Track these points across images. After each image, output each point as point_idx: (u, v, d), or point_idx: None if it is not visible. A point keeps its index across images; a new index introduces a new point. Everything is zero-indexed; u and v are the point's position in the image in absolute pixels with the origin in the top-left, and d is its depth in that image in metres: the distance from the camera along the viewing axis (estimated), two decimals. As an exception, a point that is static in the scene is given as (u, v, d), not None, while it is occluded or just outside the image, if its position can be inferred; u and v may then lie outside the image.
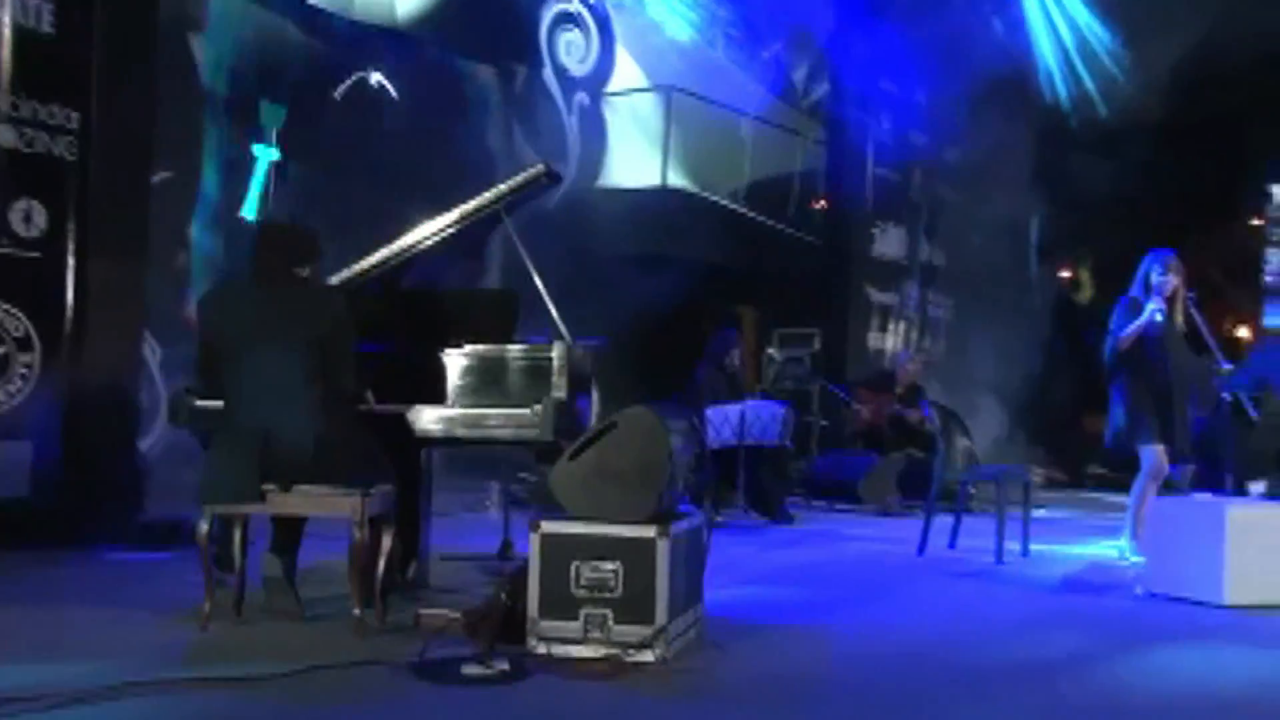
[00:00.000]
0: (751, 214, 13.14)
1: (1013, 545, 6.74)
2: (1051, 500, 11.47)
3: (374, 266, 5.16)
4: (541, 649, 3.85)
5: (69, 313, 6.30)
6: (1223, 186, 14.88)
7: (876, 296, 13.32)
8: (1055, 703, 3.63)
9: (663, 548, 3.84)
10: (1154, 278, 6.50)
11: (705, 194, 13.04)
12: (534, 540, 3.92)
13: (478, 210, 5.18)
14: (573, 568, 3.88)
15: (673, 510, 4.05)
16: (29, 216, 6.18)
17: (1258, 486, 8.08)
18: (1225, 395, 6.51)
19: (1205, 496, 5.75)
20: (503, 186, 5.18)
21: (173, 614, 4.42)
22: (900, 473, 9.77)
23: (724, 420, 8.09)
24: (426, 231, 5.16)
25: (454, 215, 5.19)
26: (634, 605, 3.83)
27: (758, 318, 13.89)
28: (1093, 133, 13.42)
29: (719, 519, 7.97)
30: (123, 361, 6.51)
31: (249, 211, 9.83)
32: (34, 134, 6.18)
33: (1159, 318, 6.41)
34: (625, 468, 3.89)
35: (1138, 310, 6.49)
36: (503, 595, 4.02)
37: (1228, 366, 6.59)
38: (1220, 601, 5.27)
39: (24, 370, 6.13)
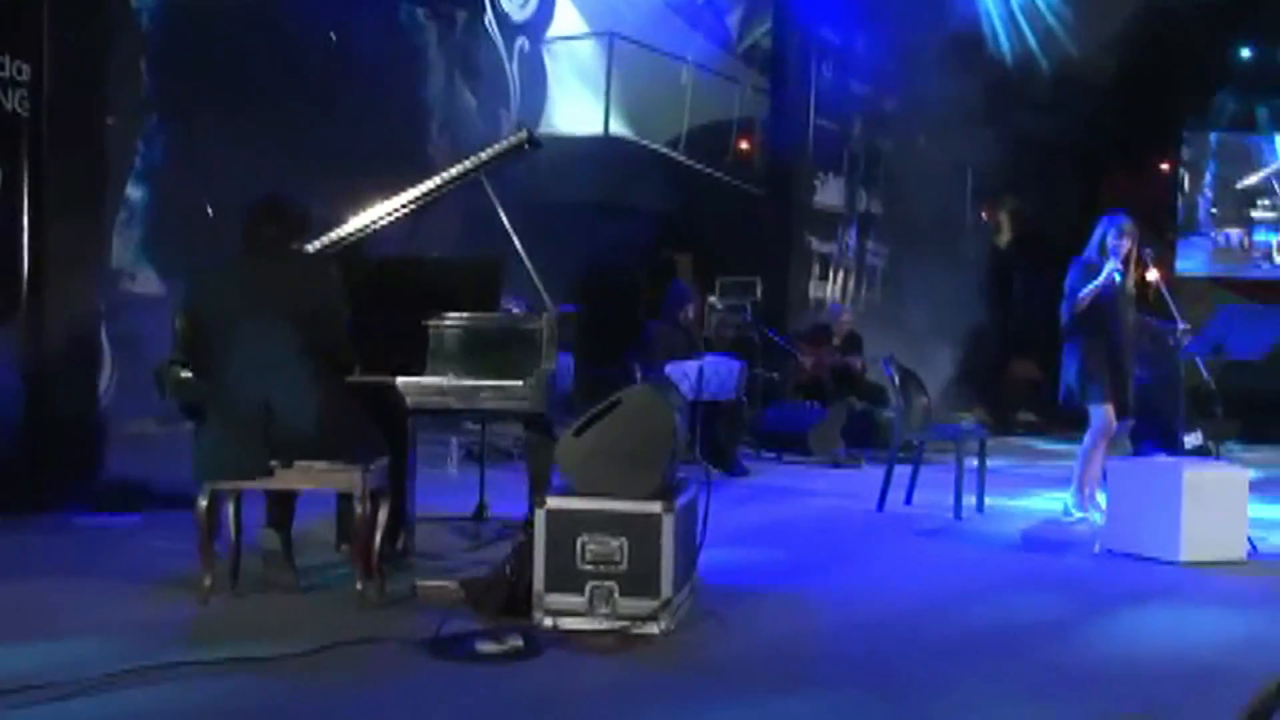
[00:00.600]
0: (692, 162, 13.18)
1: (968, 499, 6.93)
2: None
3: (352, 234, 5.15)
4: (548, 622, 3.91)
5: (25, 273, 6.14)
6: (1149, 136, 15.31)
7: (816, 246, 13.46)
8: (1040, 671, 3.77)
9: (668, 523, 3.90)
10: (1110, 241, 6.67)
11: (646, 142, 13.04)
12: (539, 515, 3.96)
13: (459, 177, 5.17)
14: (579, 543, 3.93)
15: (674, 484, 4.12)
16: (-14, 172, 6.00)
17: (1193, 438, 8.39)
18: (1182, 356, 6.74)
19: (1162, 458, 5.97)
20: (485, 154, 5.16)
21: (161, 585, 4.40)
22: (844, 424, 9.97)
23: (682, 376, 8.16)
24: (405, 199, 5.14)
25: (435, 182, 5.18)
26: (639, 579, 3.90)
27: (695, 264, 13.96)
28: (1033, 86, 13.62)
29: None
30: (83, 320, 6.36)
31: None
32: (-14, 88, 5.98)
33: (1117, 278, 6.59)
34: (630, 446, 3.95)
35: (1094, 273, 6.66)
36: (507, 569, 4.06)
37: (1183, 326, 6.82)
38: (1176, 559, 5.50)
39: (-18, 339, 5.99)
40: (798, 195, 13.11)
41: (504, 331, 4.74)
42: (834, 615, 4.41)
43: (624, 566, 3.91)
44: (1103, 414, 6.72)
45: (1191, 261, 16.24)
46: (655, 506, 3.91)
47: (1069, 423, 10.46)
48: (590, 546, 3.93)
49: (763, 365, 11.37)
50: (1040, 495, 7.83)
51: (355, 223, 5.22)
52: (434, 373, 4.67)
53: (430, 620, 3.91)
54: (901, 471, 7.19)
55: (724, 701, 3.33)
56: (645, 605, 3.88)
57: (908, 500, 7.26)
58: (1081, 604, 4.74)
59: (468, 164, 5.13)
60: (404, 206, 5.13)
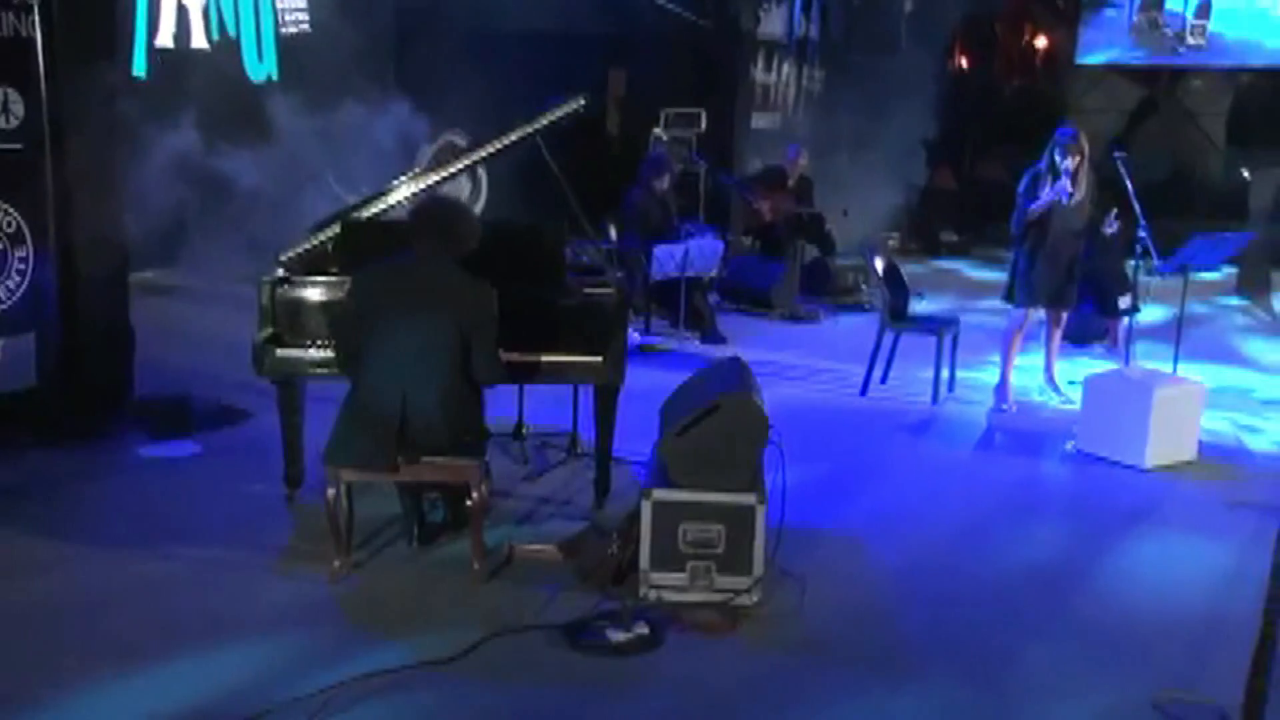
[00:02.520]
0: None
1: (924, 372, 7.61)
2: (917, 280, 12.43)
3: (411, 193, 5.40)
4: (652, 595, 4.47)
5: (51, 201, 6.18)
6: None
7: (760, 76, 13.62)
8: (1088, 638, 4.49)
9: (760, 512, 4.45)
10: (1058, 159, 7.07)
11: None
12: (646, 506, 4.46)
13: (519, 141, 5.41)
14: (680, 529, 4.46)
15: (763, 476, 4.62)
16: (6, 105, 5.94)
17: (1125, 301, 9.15)
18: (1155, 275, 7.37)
19: (1135, 372, 6.67)
20: (544, 120, 5.39)
21: (284, 557, 4.81)
22: (801, 276, 10.57)
23: (669, 257, 8.56)
24: (464, 161, 5.39)
25: (496, 146, 5.41)
26: (734, 559, 4.45)
27: (628, 84, 14.05)
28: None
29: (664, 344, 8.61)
30: (109, 243, 6.44)
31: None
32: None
33: (1064, 200, 7.04)
34: (728, 446, 4.43)
35: (1041, 185, 7.09)
36: (613, 550, 4.59)
37: (1113, 227, 7.55)
38: (1143, 465, 6.28)
39: (20, 266, 6.07)
40: (745, 25, 13.17)
41: (581, 307, 5.09)
42: (894, 571, 4.93)
43: (721, 549, 4.46)
44: (1020, 317, 7.37)
45: (1098, 40, 16.90)
46: (750, 498, 4.43)
47: (992, 241, 11.18)
48: (691, 532, 4.46)
49: (707, 208, 11.77)
50: (991, 363, 8.47)
51: (412, 186, 5.48)
52: (513, 347, 5.01)
53: (544, 594, 4.46)
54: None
55: (838, 690, 3.95)
56: (739, 582, 4.46)
57: (884, 380, 7.91)
58: (1094, 540, 5.35)
59: (529, 129, 5.37)
60: (461, 169, 5.39)
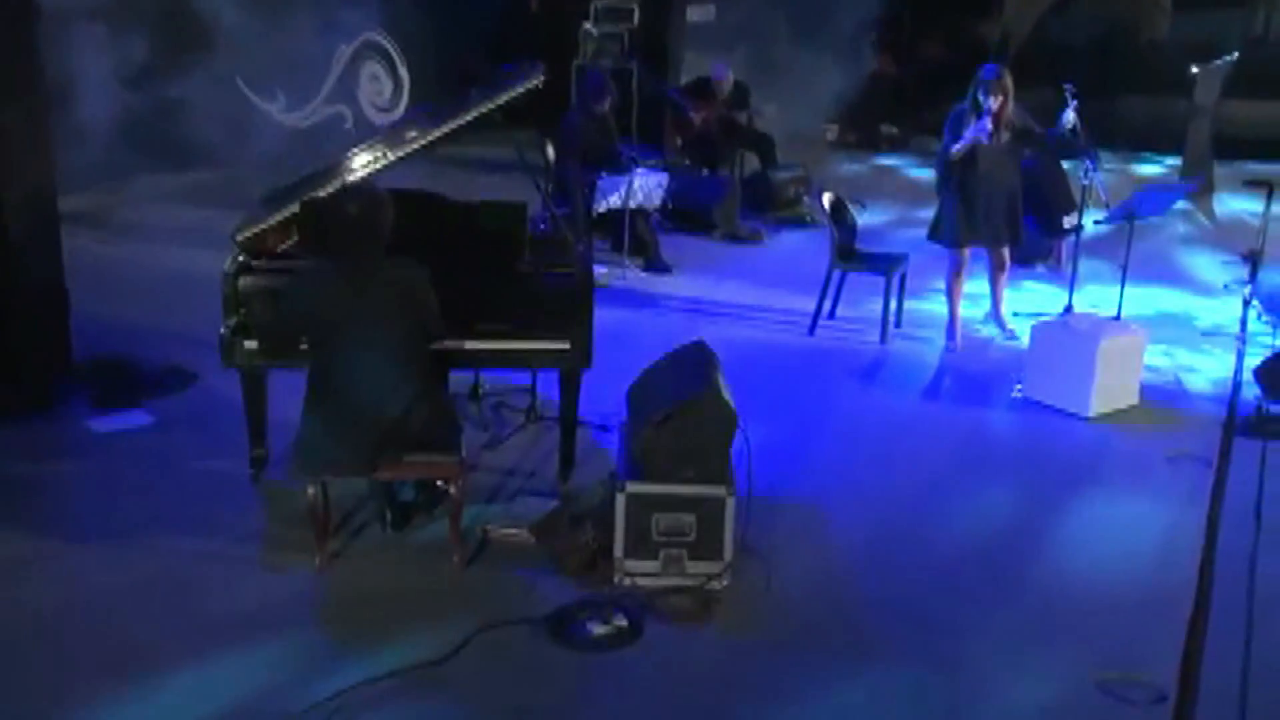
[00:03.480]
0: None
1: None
2: (857, 184, 12.73)
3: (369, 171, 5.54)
4: (626, 582, 4.84)
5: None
6: None
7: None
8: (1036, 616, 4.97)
9: (730, 503, 4.80)
10: (981, 98, 7.30)
11: None
12: (620, 499, 4.79)
13: (478, 117, 5.55)
14: (654, 519, 4.80)
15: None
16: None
17: (1070, 219, 9.55)
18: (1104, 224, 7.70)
19: (1080, 321, 7.08)
20: (505, 96, 5.53)
21: (263, 545, 5.09)
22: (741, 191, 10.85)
23: (614, 188, 8.75)
24: (426, 138, 5.53)
25: (455, 123, 5.55)
26: (705, 546, 4.81)
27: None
28: None
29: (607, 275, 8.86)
30: (39, 199, 6.48)
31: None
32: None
33: (984, 140, 7.30)
34: (699, 446, 4.76)
35: (963, 125, 7.36)
36: (588, 540, 4.92)
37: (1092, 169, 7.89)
38: (1086, 414, 6.73)
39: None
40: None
41: (546, 291, 5.32)
42: (850, 542, 5.35)
43: (692, 537, 4.82)
44: (954, 259, 7.72)
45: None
46: (720, 490, 4.79)
47: (932, 131, 11.47)
48: (664, 522, 4.81)
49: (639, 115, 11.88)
50: (936, 290, 8.80)
51: (366, 158, 5.62)
52: (479, 334, 5.24)
53: (522, 581, 4.83)
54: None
55: (806, 677, 4.37)
56: (709, 567, 4.84)
57: (831, 315, 8.26)
58: (1041, 504, 5.78)
59: (488, 105, 5.51)
60: (420, 147, 5.53)
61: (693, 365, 5.07)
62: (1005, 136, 7.39)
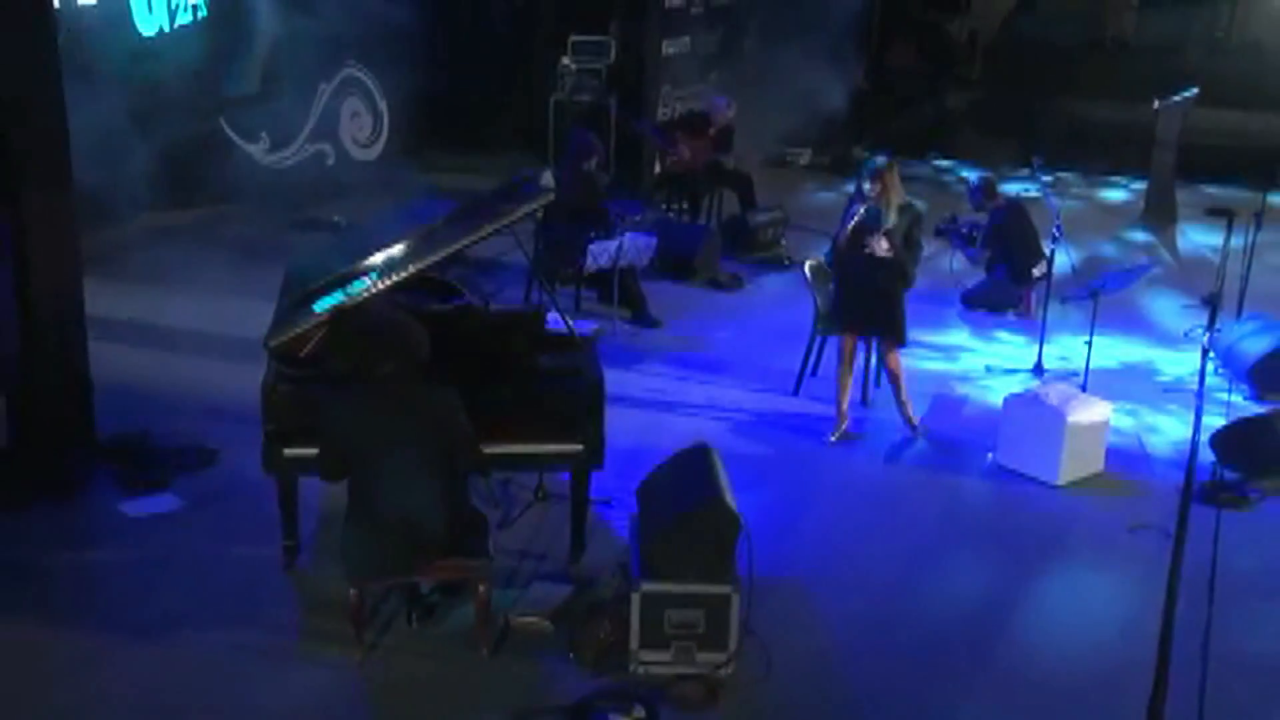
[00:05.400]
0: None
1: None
2: (832, 215, 13.40)
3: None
4: (640, 670, 5.55)
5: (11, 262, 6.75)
6: None
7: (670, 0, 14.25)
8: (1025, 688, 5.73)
9: (735, 599, 5.52)
10: (865, 187, 7.86)
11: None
12: (635, 598, 5.50)
13: (493, 233, 6.20)
14: (666, 614, 5.52)
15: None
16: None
17: (1039, 269, 10.32)
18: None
19: (1050, 394, 7.83)
20: (519, 211, 6.16)
21: (302, 639, 5.76)
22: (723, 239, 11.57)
23: (604, 251, 9.43)
24: (441, 253, 6.13)
25: (469, 238, 6.16)
26: (713, 638, 5.55)
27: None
28: None
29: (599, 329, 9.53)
30: (64, 290, 7.03)
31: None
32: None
33: (864, 216, 7.76)
34: (705, 549, 5.48)
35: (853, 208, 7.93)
36: (605, 634, 5.62)
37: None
38: (1055, 482, 7.50)
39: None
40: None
41: (556, 396, 6.01)
42: (840, 622, 6.07)
43: (701, 629, 5.54)
44: (838, 342, 8.24)
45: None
46: (726, 588, 5.51)
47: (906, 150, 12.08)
48: (675, 617, 5.52)
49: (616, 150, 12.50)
50: (917, 343, 9.49)
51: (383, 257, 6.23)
52: (490, 439, 5.86)
53: (544, 669, 5.54)
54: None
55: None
56: (718, 657, 5.56)
57: (814, 372, 8.95)
58: (1015, 580, 6.53)
59: (504, 220, 6.13)
60: (438, 261, 6.16)
61: (698, 471, 5.78)
62: (892, 217, 7.79)
